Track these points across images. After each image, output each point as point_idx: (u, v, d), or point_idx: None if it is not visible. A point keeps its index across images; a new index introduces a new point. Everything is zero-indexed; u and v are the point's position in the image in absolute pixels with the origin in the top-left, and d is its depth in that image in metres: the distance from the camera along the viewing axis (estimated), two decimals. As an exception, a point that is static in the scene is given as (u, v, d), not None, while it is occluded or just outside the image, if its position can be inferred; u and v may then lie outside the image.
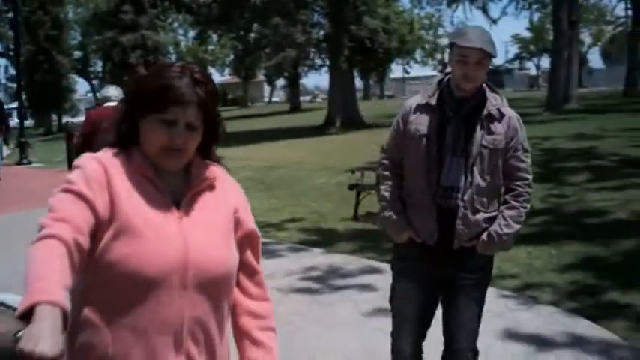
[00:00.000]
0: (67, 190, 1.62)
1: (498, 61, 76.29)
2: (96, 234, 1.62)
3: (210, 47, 63.85)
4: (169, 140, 1.69)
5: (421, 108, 3.27)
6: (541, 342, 4.56)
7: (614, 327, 4.78)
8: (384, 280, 5.95)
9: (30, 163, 19.77)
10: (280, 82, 67.25)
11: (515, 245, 7.04)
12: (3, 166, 17.24)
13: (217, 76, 72.22)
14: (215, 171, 1.85)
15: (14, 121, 55.34)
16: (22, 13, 45.05)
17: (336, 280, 6.29)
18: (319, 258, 7.16)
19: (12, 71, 54.48)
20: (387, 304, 3.44)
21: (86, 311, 1.65)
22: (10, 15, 50.61)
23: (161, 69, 1.75)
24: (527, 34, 67.06)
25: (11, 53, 51.87)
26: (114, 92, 7.08)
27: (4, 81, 57.52)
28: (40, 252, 1.47)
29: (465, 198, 3.16)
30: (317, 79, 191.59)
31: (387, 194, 3.36)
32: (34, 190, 12.92)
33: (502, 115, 3.20)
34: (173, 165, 1.75)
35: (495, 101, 3.22)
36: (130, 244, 1.63)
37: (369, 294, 5.78)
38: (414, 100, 3.32)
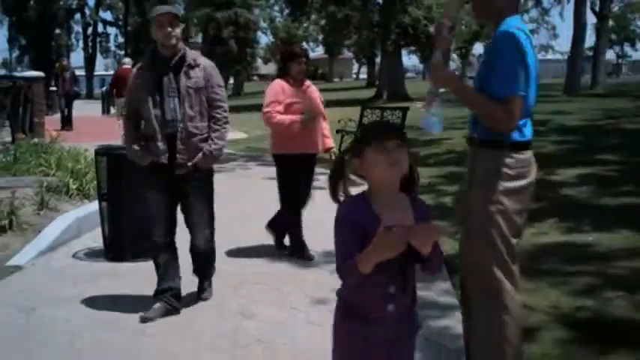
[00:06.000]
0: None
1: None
2: None
3: (305, 25, 67.97)
4: None
5: (142, 70, 4.36)
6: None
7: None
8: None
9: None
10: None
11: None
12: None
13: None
14: None
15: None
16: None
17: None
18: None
19: (120, 39, 60.29)
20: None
21: None
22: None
23: None
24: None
25: (120, 23, 57.70)
26: (127, 60, 13.92)
27: (113, 48, 63.00)
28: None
29: (182, 125, 4.21)
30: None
31: (129, 135, 4.38)
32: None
33: (198, 64, 4.30)
34: None
35: (193, 55, 4.32)
36: None
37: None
38: (138, 66, 4.51)
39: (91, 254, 5.97)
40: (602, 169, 9.32)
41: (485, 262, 2.98)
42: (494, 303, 2.99)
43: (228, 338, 4.07)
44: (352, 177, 2.29)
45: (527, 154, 3.00)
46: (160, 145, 4.22)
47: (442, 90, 3.02)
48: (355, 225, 2.16)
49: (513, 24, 2.92)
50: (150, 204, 4.36)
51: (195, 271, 4.72)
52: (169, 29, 4.17)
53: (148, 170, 4.31)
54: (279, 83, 5.60)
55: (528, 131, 3.01)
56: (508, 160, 2.93)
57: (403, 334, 2.32)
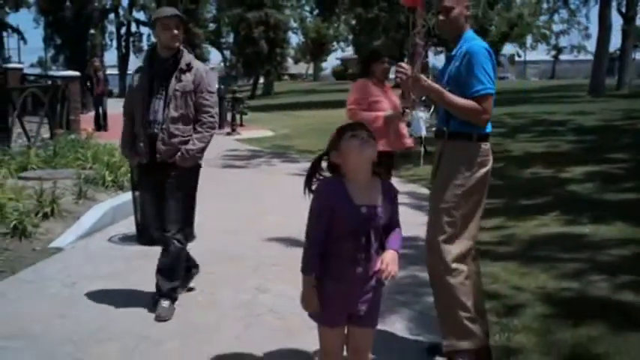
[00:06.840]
0: None
1: (611, 48, 76.74)
2: None
3: (335, 25, 67.93)
4: None
5: (140, 70, 4.51)
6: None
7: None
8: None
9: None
10: (395, 60, 70.87)
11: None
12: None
13: (339, 53, 76.23)
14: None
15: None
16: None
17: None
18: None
19: (153, 39, 61.02)
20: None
21: None
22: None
23: None
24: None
25: (152, 24, 58.42)
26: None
27: (145, 48, 63.83)
28: None
29: (164, 126, 4.28)
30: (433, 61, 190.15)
31: (124, 136, 4.54)
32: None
33: (190, 67, 4.33)
34: None
35: (188, 59, 4.35)
36: None
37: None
38: (137, 67, 4.61)
39: (125, 239, 6.55)
40: (610, 167, 9.68)
41: (440, 236, 3.51)
42: (446, 270, 3.51)
43: (244, 308, 4.62)
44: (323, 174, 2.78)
45: (488, 145, 3.54)
46: (142, 145, 4.38)
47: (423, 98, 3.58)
48: (328, 207, 2.66)
49: (473, 36, 3.58)
50: (144, 203, 4.59)
51: (157, 285, 4.58)
52: (175, 32, 4.30)
53: (136, 170, 4.53)
54: (363, 82, 5.73)
55: (489, 126, 3.53)
56: (475, 150, 3.46)
57: (371, 290, 2.80)
